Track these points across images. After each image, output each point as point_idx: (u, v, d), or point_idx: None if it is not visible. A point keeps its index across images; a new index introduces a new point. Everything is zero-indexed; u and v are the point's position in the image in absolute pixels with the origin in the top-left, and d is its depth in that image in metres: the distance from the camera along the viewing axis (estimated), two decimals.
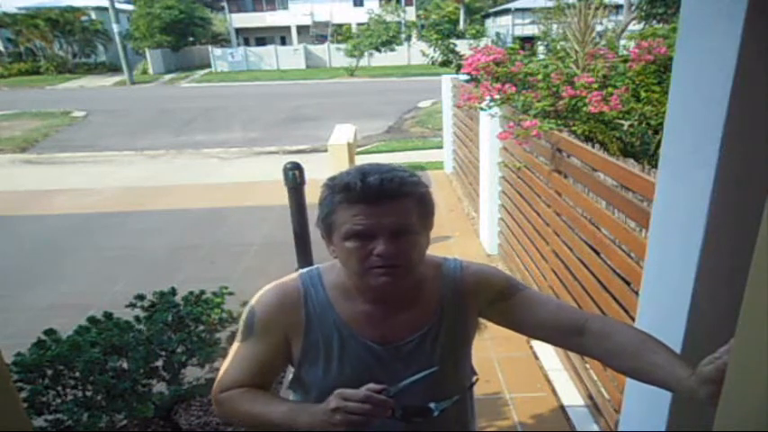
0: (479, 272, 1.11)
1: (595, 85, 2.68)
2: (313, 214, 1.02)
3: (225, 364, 1.08)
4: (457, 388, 1.09)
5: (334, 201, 0.95)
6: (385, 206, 0.91)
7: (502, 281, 1.10)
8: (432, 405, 0.97)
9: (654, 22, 14.62)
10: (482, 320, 1.13)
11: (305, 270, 1.09)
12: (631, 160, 2.14)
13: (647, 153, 2.57)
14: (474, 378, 1.18)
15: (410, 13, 33.51)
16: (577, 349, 1.06)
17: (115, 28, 23.77)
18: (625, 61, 2.89)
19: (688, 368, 0.81)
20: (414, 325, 1.04)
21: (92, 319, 2.20)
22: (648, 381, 0.89)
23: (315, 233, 1.03)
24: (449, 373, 1.07)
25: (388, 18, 26.80)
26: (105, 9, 25.08)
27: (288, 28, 35.63)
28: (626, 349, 0.93)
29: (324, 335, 1.03)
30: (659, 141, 2.03)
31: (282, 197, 4.25)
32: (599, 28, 4.70)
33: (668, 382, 0.84)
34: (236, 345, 1.08)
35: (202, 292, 2.44)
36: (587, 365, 2.57)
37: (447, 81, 6.52)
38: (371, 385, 0.88)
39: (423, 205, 0.97)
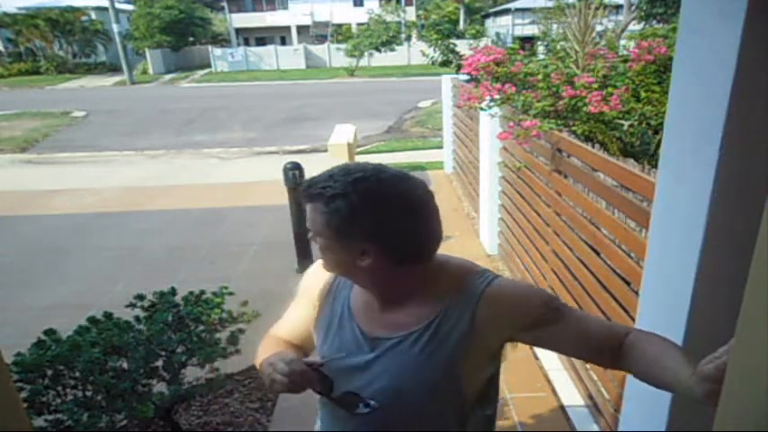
0: (512, 295, 1.02)
1: (595, 85, 2.68)
2: None
3: None
4: (434, 403, 1.00)
5: None
6: (308, 206, 0.99)
7: (539, 306, 0.99)
8: (371, 402, 0.98)
9: (654, 22, 14.65)
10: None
11: None
12: (631, 160, 2.14)
13: (647, 153, 2.56)
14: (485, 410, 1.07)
15: (410, 13, 33.52)
16: (610, 367, 1.01)
17: (115, 28, 23.77)
18: (625, 61, 2.89)
19: (689, 368, 0.81)
20: (403, 324, 1.01)
21: (92, 319, 2.20)
22: (654, 383, 0.89)
23: None
24: (424, 383, 0.99)
25: (388, 18, 26.80)
26: (105, 9, 25.08)
27: (288, 28, 35.62)
28: (657, 361, 0.90)
29: (333, 310, 1.10)
30: (659, 141, 2.04)
31: (282, 197, 4.26)
32: (599, 28, 4.70)
33: (669, 382, 0.85)
34: None
35: (202, 292, 2.44)
36: (587, 365, 2.57)
37: (447, 81, 6.51)
38: (311, 358, 0.97)
39: (330, 214, 0.94)
